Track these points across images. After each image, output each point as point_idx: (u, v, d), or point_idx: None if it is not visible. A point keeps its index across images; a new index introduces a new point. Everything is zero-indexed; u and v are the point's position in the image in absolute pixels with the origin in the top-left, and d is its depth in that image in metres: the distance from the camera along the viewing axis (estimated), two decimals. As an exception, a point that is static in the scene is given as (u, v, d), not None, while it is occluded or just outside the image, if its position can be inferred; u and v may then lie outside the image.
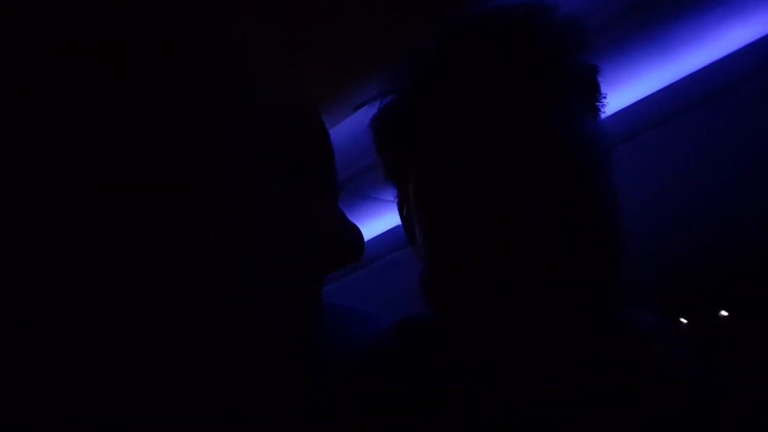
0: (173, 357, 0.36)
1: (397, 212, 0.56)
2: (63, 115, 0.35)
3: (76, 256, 0.35)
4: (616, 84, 1.38)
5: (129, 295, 0.35)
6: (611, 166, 0.48)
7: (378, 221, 1.88)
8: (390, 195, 0.57)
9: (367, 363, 0.50)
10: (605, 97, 0.51)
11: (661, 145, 1.65)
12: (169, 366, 0.36)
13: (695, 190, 1.80)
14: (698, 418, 0.47)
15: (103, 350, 0.35)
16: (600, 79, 0.51)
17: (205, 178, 0.36)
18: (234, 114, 0.38)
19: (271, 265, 0.38)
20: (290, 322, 0.39)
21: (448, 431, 0.44)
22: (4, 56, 0.35)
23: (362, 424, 0.45)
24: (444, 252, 0.48)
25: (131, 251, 0.35)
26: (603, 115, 0.52)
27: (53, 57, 0.35)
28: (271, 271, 0.38)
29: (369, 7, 1.00)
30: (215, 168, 0.36)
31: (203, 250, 0.35)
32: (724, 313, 2.11)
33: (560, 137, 0.46)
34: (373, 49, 1.07)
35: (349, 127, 1.31)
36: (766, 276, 1.92)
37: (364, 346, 0.52)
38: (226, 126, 0.37)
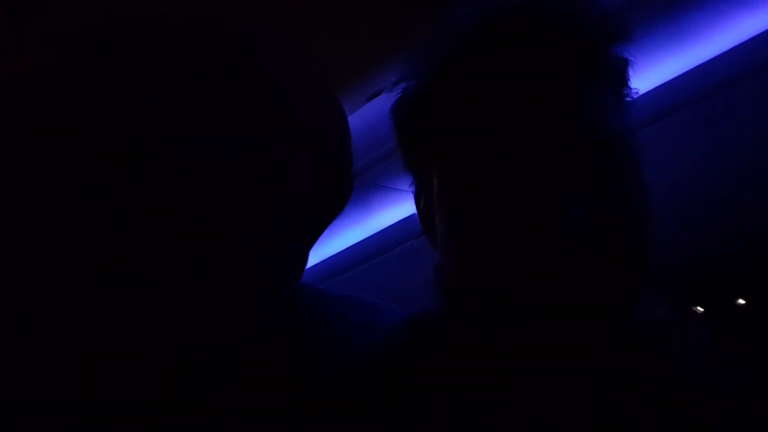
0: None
1: (413, 202, 0.55)
2: None
3: None
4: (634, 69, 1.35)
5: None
6: (642, 162, 0.47)
7: (391, 211, 1.87)
8: (404, 184, 0.56)
9: (378, 360, 0.49)
10: (635, 92, 0.50)
11: (676, 131, 1.63)
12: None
13: (712, 176, 1.78)
14: (713, 409, 0.47)
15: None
16: (630, 72, 0.49)
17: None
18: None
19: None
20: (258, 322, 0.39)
21: (460, 429, 0.44)
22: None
23: (370, 422, 0.44)
24: (468, 248, 0.46)
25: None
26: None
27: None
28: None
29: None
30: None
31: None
32: (741, 301, 2.09)
33: (596, 132, 0.44)
34: (390, 36, 1.06)
35: (362, 117, 1.30)
36: (785, 263, 1.89)
37: (376, 341, 0.51)
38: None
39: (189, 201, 0.36)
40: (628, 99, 0.50)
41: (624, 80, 0.50)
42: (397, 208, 1.84)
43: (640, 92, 0.50)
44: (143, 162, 0.36)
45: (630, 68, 0.49)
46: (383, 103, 0.54)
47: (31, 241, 0.36)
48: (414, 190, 0.54)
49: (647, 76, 1.45)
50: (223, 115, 0.38)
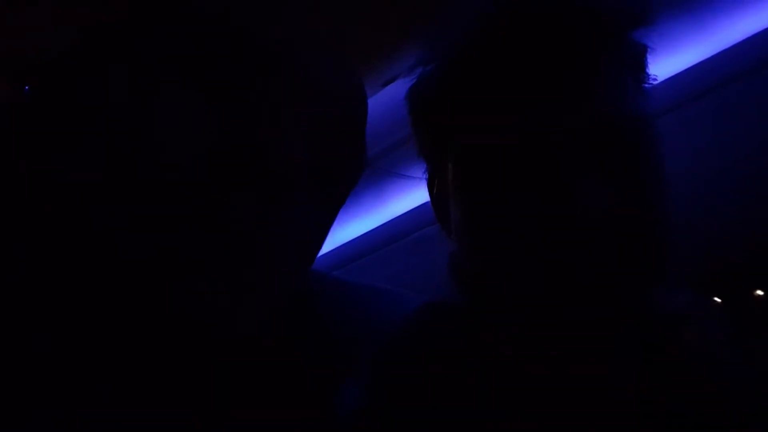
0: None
1: (426, 189, 0.55)
2: None
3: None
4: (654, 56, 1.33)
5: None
6: (661, 147, 0.46)
7: (404, 198, 1.87)
8: (418, 171, 0.56)
9: (393, 349, 0.49)
10: (654, 78, 0.49)
11: (698, 118, 1.60)
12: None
13: (730, 166, 1.75)
14: (731, 400, 0.46)
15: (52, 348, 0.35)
16: (650, 59, 0.48)
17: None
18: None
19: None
20: (255, 314, 0.38)
21: (476, 419, 0.43)
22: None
23: (387, 414, 0.44)
24: (483, 235, 0.46)
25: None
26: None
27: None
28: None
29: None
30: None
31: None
32: (759, 292, 2.06)
33: (614, 115, 0.44)
34: (405, 21, 1.05)
35: (377, 104, 1.29)
36: (805, 254, 1.87)
37: (390, 329, 0.51)
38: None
39: (180, 170, 0.35)
40: (647, 85, 0.49)
41: (642, 66, 0.49)
42: (410, 196, 1.84)
43: (666, 77, 0.49)
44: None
45: (649, 54, 0.49)
46: (398, 89, 0.54)
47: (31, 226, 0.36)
48: (427, 176, 0.54)
49: (670, 61, 1.43)
50: (218, 84, 0.37)
